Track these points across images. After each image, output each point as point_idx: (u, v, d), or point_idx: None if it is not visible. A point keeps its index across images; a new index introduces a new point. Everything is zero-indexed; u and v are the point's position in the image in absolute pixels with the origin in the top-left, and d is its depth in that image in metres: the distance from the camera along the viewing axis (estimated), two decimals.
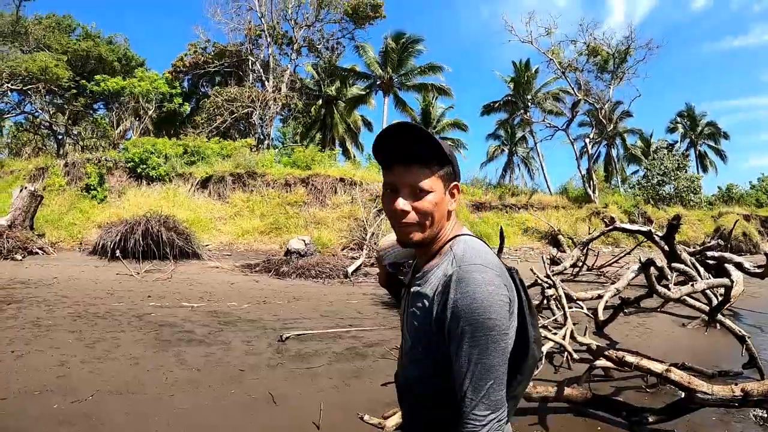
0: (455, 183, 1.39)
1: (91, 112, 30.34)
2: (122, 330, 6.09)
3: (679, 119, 46.91)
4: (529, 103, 34.47)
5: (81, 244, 13.89)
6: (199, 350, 5.49)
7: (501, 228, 7.72)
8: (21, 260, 11.19)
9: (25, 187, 13.21)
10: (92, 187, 17.41)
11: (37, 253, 12.03)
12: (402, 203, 1.30)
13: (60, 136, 29.12)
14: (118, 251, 11.84)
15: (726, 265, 8.72)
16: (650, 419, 4.03)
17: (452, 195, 1.38)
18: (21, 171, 18.66)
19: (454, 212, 1.42)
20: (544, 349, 5.24)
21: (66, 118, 28.19)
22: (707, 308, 6.91)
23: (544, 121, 32.08)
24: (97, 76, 26.28)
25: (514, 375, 1.29)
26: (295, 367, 5.15)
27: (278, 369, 5.06)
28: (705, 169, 46.81)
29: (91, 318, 6.57)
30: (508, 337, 1.25)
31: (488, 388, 1.21)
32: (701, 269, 8.54)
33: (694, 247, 12.91)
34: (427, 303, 1.33)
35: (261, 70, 31.60)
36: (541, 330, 5.16)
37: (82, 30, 31.01)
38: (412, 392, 1.45)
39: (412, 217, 1.31)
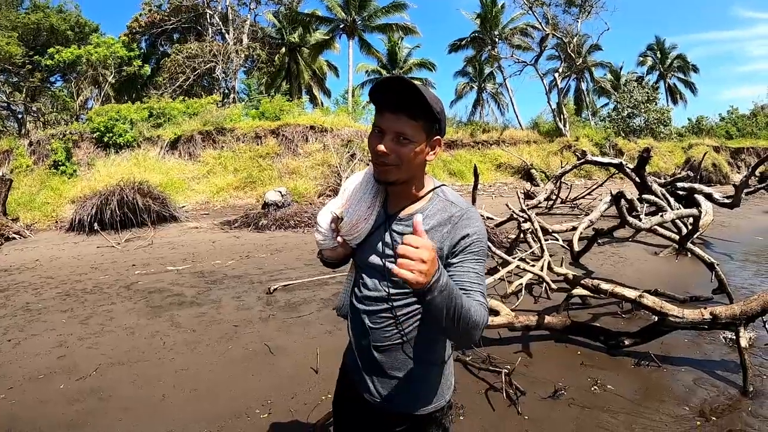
0: (438, 138, 1.54)
1: (49, 86, 29.09)
2: (113, 302, 6.12)
3: (648, 52, 46.99)
4: (497, 39, 34.03)
5: (57, 222, 13.59)
6: (191, 311, 5.59)
7: (475, 166, 7.84)
8: None
9: None
10: (60, 163, 16.90)
11: (14, 238, 11.71)
12: (383, 146, 1.45)
13: (20, 115, 28.01)
14: (95, 224, 11.63)
15: (696, 195, 9.07)
16: (626, 342, 4.26)
17: (432, 148, 1.54)
18: None
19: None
20: (524, 280, 5.50)
21: (23, 95, 26.97)
22: (677, 237, 7.25)
23: (512, 56, 31.78)
24: (51, 49, 24.94)
25: None
26: (287, 317, 5.32)
27: (270, 321, 5.22)
28: (675, 102, 47.45)
29: (80, 295, 6.55)
30: None
31: (484, 289, 1.50)
32: (672, 200, 8.84)
33: (664, 178, 13.30)
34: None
35: (220, 23, 30.42)
36: (519, 262, 5.41)
37: (30, 2, 29.15)
38: (392, 310, 1.60)
39: (392, 159, 1.46)
